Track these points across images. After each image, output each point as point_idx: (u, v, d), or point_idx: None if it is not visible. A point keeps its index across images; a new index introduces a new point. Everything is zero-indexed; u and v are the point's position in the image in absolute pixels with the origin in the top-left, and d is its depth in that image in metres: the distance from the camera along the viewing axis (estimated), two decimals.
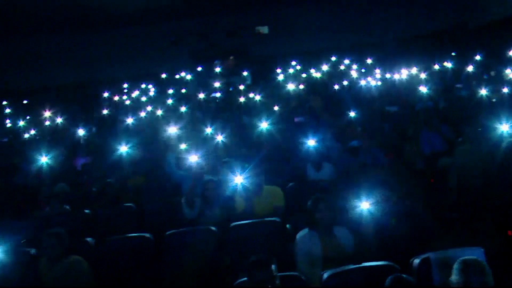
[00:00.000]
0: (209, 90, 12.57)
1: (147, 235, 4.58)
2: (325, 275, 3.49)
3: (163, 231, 4.69)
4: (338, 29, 17.00)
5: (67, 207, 5.54)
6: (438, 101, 8.78)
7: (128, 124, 8.94)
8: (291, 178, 5.95)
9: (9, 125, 10.56)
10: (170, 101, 11.19)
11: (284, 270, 3.57)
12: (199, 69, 16.13)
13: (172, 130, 6.13)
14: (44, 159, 6.49)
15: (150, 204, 5.60)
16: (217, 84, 12.80)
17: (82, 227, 5.09)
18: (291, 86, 11.21)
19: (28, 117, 11.41)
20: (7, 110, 12.66)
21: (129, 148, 6.65)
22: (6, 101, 13.80)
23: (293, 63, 14.95)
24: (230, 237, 4.59)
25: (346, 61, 14.26)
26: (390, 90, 10.46)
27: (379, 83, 11.01)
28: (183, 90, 12.79)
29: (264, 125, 7.58)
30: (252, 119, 9.17)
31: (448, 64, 11.34)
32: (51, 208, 5.43)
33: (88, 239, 4.61)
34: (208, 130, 7.35)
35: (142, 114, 9.35)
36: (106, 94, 13.40)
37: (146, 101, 11.84)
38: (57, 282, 3.77)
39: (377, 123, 7.90)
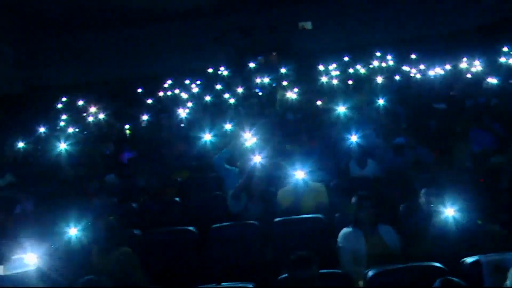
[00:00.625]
0: (252, 86, 12.60)
1: (192, 228, 4.66)
2: (370, 273, 3.45)
3: (207, 225, 4.76)
4: (382, 23, 16.70)
5: (115, 199, 5.71)
6: (491, 97, 8.46)
7: (173, 119, 9.09)
8: (335, 175, 5.90)
9: (62, 124, 10.96)
10: (208, 98, 11.29)
11: (327, 267, 3.56)
12: (242, 65, 16.19)
13: (228, 126, 6.19)
14: (92, 153, 6.69)
15: (195, 198, 5.68)
16: (259, 80, 12.80)
17: (129, 219, 5.21)
18: (334, 82, 11.13)
19: (73, 113, 11.81)
20: (59, 105, 13.15)
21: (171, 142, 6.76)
22: (58, 96, 14.31)
23: (336, 59, 14.78)
24: (273, 233, 4.61)
25: (389, 57, 13.98)
26: (438, 86, 10.20)
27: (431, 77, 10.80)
28: (222, 87, 12.89)
29: (307, 121, 7.53)
30: (295, 115, 9.15)
31: (502, 59, 10.93)
32: (100, 199, 5.60)
33: (135, 231, 4.73)
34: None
35: (186, 110, 9.48)
36: (143, 89, 13.67)
37: (189, 97, 12.00)
38: (108, 272, 3.88)
39: (423, 120, 7.71)
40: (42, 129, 9.80)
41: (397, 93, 9.60)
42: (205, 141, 6.19)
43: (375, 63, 13.33)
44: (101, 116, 10.30)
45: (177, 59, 17.07)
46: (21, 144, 8.40)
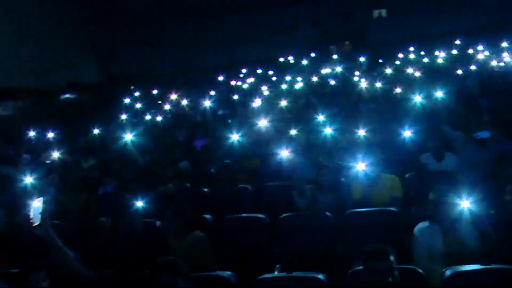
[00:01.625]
0: (324, 76, 12.46)
1: (263, 216, 4.69)
2: (448, 273, 3.29)
3: (278, 213, 4.78)
4: (462, 9, 15.77)
5: (188, 185, 5.87)
6: None
7: (246, 108, 9.19)
8: (409, 168, 5.69)
9: (139, 111, 11.44)
10: (284, 86, 11.29)
11: (400, 263, 3.44)
12: (314, 54, 16.03)
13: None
14: (166, 139, 6.92)
15: (266, 186, 5.72)
16: (332, 70, 12.63)
17: (201, 204, 5.35)
18: (410, 71, 10.75)
19: (148, 101, 12.28)
20: (136, 93, 13.73)
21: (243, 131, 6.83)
22: (133, 85, 14.97)
23: (412, 48, 14.25)
24: (344, 225, 4.54)
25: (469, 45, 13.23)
26: None
27: None
28: (293, 76, 12.82)
29: (380, 112, 7.31)
30: (367, 106, 8.94)
31: None
32: (174, 185, 5.80)
33: (207, 216, 4.84)
34: (321, 118, 7.30)
35: (258, 100, 9.54)
36: (221, 78, 13.91)
37: (262, 86, 12.07)
38: (183, 256, 4.01)
39: (508, 112, 7.24)
40: (122, 117, 10.30)
41: (479, 84, 9.08)
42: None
43: (454, 51, 12.67)
44: (175, 103, 10.62)
45: (251, 49, 17.19)
46: (99, 131, 8.88)
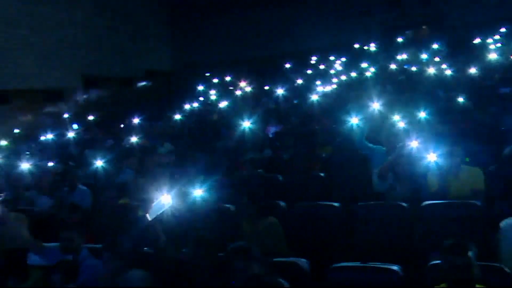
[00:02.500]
0: (400, 62, 12.03)
1: (336, 204, 4.66)
2: None
3: (351, 202, 4.72)
4: None
5: (262, 171, 5.95)
6: None
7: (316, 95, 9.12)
8: (493, 160, 5.38)
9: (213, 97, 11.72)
10: (357, 73, 11.05)
11: (482, 259, 3.28)
12: (389, 40, 15.51)
13: (376, 106, 6.04)
14: (245, 125, 7.00)
15: (339, 174, 5.66)
16: (408, 56, 12.17)
17: (274, 191, 5.40)
18: (493, 56, 10.09)
19: (221, 88, 12.52)
20: (213, 80, 14.05)
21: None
22: (210, 72, 15.32)
23: (497, 31, 13.36)
24: (421, 216, 4.40)
25: None
26: None
27: None
28: (368, 63, 12.48)
29: (460, 99, 6.96)
30: (447, 94, 8.54)
31: None
32: (248, 171, 5.90)
33: (280, 202, 4.88)
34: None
35: (332, 87, 9.43)
36: (288, 66, 13.86)
37: (335, 73, 11.90)
38: (256, 241, 4.08)
39: None
40: (195, 104, 10.60)
41: None
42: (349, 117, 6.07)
43: None
44: (248, 90, 10.75)
45: (322, 36, 16.96)
46: (177, 117, 9.19)
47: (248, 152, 6.55)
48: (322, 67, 13.40)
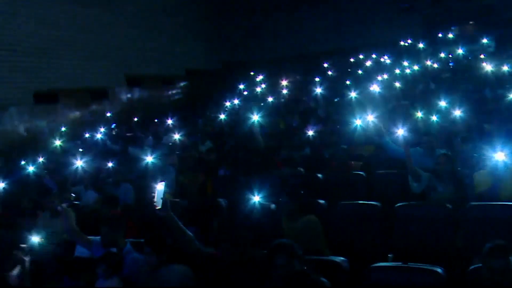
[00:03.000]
0: (444, 60, 11.71)
1: (377, 203, 4.60)
2: None
3: (392, 202, 4.65)
4: None
5: (302, 169, 5.94)
6: None
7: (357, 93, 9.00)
8: None
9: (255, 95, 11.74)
10: (400, 71, 10.83)
11: None
12: (433, 36, 15.11)
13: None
14: (281, 125, 7.02)
15: (380, 174, 5.59)
16: (453, 53, 11.83)
17: (314, 189, 5.38)
18: None
19: (264, 87, 12.53)
20: (251, 80, 14.11)
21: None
22: (253, 71, 15.38)
23: None
24: (466, 218, 4.29)
25: None
26: None
27: None
28: (410, 60, 12.21)
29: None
30: (495, 92, 8.26)
31: None
32: (288, 169, 5.89)
33: (321, 200, 4.87)
34: (443, 104, 6.90)
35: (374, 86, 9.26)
36: (330, 64, 13.75)
37: (377, 71, 11.70)
38: (295, 238, 4.08)
39: None
40: (235, 102, 10.67)
41: None
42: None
43: None
44: (289, 89, 10.73)
45: (364, 33, 16.72)
46: (219, 116, 9.29)
47: (287, 151, 6.54)
48: (364, 64, 13.21)
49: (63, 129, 10.86)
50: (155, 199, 3.55)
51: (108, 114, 12.86)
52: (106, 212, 5.11)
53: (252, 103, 10.96)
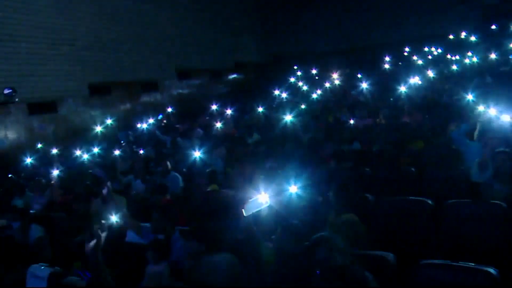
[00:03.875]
0: (504, 52, 11.16)
1: (428, 200, 4.47)
2: None
3: (442, 198, 4.51)
4: None
5: (350, 164, 5.86)
6: None
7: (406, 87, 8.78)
8: None
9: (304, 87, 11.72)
10: (455, 67, 10.45)
11: None
12: (493, 28, 14.42)
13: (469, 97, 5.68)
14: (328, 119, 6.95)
15: (430, 170, 5.43)
16: None
17: (362, 184, 5.30)
18: None
19: (309, 80, 12.44)
20: (298, 73, 14.04)
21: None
22: (297, 64, 15.34)
23: None
24: None
25: None
26: None
27: None
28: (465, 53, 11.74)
29: None
30: None
31: None
32: (335, 163, 5.84)
33: (368, 195, 4.79)
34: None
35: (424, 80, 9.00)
36: (379, 57, 13.46)
37: (426, 64, 11.36)
38: (338, 233, 4.04)
39: None
40: (283, 95, 10.66)
41: None
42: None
43: None
44: (337, 82, 10.61)
45: (415, 26, 16.24)
46: (267, 109, 9.32)
47: (334, 144, 6.48)
48: (415, 58, 12.84)
49: (114, 120, 11.23)
50: (246, 206, 3.53)
51: (158, 106, 13.19)
52: (156, 200, 5.26)
53: (301, 96, 10.94)
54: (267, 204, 3.48)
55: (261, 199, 3.48)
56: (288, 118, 7.20)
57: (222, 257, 3.69)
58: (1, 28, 10.56)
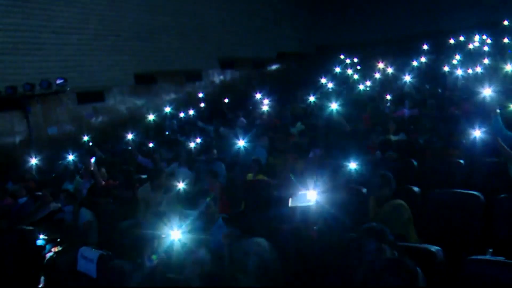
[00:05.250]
0: None
1: (478, 193, 4.32)
2: None
3: (493, 193, 4.35)
4: None
5: (395, 154, 5.74)
6: None
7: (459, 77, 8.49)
8: None
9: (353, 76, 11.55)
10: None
11: None
12: None
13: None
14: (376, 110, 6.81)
15: (479, 162, 5.24)
16: None
17: (408, 175, 5.18)
18: None
19: (355, 69, 12.21)
20: (347, 61, 13.84)
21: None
22: (343, 54, 15.10)
23: None
24: None
25: None
26: None
27: None
28: None
29: None
30: None
31: None
32: (380, 153, 5.74)
33: (414, 188, 4.67)
34: None
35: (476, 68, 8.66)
36: (426, 46, 13.07)
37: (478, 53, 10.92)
38: (381, 222, 3.97)
39: None
40: (330, 85, 10.54)
41: None
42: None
43: None
44: (389, 71, 10.40)
45: (464, 14, 15.63)
46: (311, 98, 9.26)
47: (378, 135, 6.36)
48: (465, 47, 12.38)
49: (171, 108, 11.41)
50: (294, 198, 3.54)
51: (201, 95, 13.34)
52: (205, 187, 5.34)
53: (347, 85, 10.79)
54: (314, 202, 3.46)
55: (309, 196, 3.47)
56: (333, 107, 7.09)
57: (254, 242, 3.67)
58: (54, 21, 10.94)
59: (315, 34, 18.88)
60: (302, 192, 3.60)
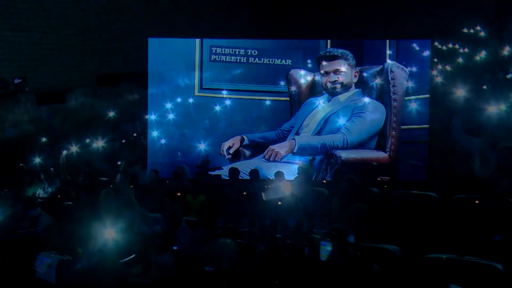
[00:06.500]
0: None
1: (434, 194, 4.45)
2: None
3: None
4: None
5: None
6: None
7: None
8: None
9: None
10: None
11: None
12: None
13: None
14: None
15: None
16: None
17: None
18: None
19: None
20: None
21: None
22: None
23: None
24: None
25: None
26: None
27: None
28: None
29: None
30: None
31: None
32: None
33: (374, 189, 4.77)
34: None
35: None
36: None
37: None
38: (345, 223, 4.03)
39: None
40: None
41: None
42: None
43: None
44: None
45: None
46: None
47: None
48: None
49: None
50: (266, 192, 3.51)
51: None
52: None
53: None
54: (288, 193, 3.45)
55: (283, 187, 3.48)
56: None
57: (221, 242, 3.67)
58: (14, 18, 10.59)
59: None
60: (275, 184, 3.62)
